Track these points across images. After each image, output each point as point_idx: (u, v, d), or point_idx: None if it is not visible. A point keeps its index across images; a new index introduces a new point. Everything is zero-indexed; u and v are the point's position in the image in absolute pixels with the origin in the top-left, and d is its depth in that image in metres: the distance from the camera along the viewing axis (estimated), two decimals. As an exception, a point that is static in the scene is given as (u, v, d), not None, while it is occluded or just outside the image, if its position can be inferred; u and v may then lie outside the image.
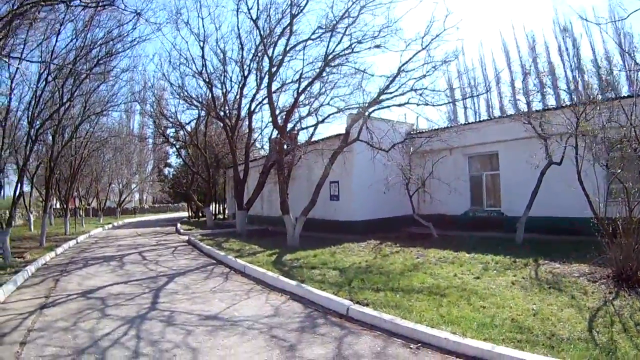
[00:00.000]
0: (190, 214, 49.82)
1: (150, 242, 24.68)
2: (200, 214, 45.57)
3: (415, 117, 30.16)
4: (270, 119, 23.02)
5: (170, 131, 37.61)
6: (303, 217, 18.23)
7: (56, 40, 18.87)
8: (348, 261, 14.01)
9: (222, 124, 29.87)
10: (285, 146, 21.26)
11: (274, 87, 21.31)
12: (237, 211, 25.77)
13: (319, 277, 11.78)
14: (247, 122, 28.05)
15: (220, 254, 16.71)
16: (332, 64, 19.35)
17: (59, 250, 21.28)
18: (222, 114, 27.73)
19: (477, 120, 26.94)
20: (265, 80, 21.43)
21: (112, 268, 15.46)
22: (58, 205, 45.04)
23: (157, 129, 36.70)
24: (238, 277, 13.16)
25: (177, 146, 39.12)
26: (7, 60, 15.30)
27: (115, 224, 44.67)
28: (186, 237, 25.30)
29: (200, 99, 29.64)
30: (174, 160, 53.33)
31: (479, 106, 60.21)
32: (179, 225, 35.21)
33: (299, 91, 20.73)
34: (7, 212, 18.19)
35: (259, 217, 32.25)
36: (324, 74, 19.93)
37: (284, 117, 21.48)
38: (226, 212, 44.84)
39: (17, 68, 17.13)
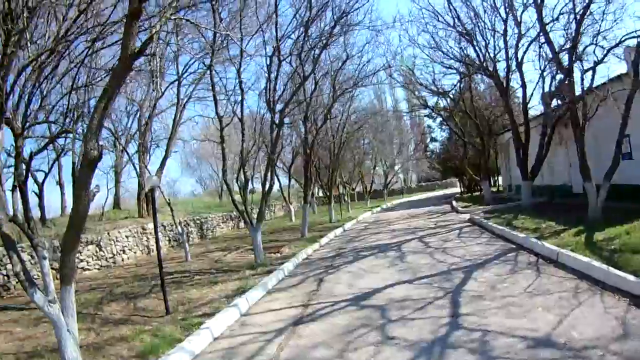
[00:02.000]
0: (462, 190, 46.87)
1: (428, 223, 22.04)
2: (473, 189, 42.69)
3: None
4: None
5: (431, 102, 34.70)
6: (607, 182, 13.70)
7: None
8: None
9: (488, 83, 27.50)
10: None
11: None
12: (523, 182, 22.11)
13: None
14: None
15: (520, 235, 13.14)
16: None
17: (323, 240, 19.75)
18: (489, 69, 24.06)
19: None
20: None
21: (390, 260, 12.83)
22: (320, 193, 45.45)
23: (418, 100, 33.84)
24: (551, 269, 9.48)
25: (443, 115, 36.00)
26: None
27: (384, 206, 43.72)
28: (467, 216, 22.25)
29: (459, 58, 26.19)
30: (437, 134, 51.01)
31: None
32: (454, 202, 32.52)
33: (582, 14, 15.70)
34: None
35: (538, 187, 27.40)
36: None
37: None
38: (499, 184, 41.32)
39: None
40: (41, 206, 24.19)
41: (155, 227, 10.63)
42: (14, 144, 11.48)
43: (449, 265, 11.00)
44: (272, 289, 11.16)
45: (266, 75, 17.03)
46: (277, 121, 16.76)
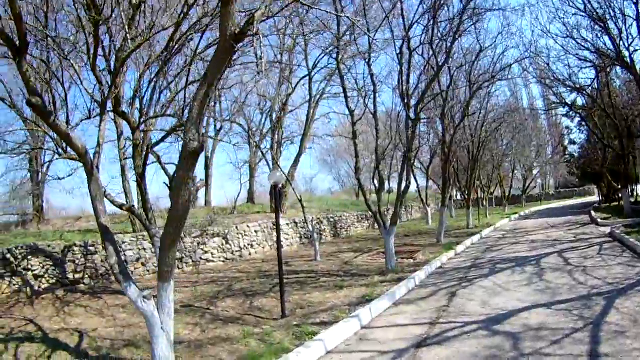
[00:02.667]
0: (601, 199, 43.66)
1: (567, 236, 20.37)
2: (612, 198, 39.08)
3: None
4: None
5: (568, 99, 31.39)
6: None
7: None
8: None
9: (624, 79, 25.93)
10: None
11: None
12: None
13: None
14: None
15: None
16: None
17: (460, 248, 18.76)
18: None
19: None
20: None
21: (528, 277, 11.74)
22: (458, 197, 44.25)
23: (555, 97, 31.25)
24: None
25: (582, 115, 32.76)
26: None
27: (522, 213, 41.81)
28: (607, 229, 20.36)
29: (594, 49, 23.20)
30: (576, 135, 47.70)
31: None
32: (592, 212, 30.01)
33: None
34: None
35: None
36: None
37: None
38: (637, 194, 37.15)
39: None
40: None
41: (277, 224, 10.36)
42: (132, 137, 11.78)
43: (589, 289, 9.84)
44: (400, 300, 10.49)
45: (398, 67, 16.17)
46: (412, 116, 15.74)
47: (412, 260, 16.02)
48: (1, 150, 13.49)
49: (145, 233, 14.06)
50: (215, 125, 30.16)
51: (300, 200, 18.98)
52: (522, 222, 32.43)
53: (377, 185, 15.88)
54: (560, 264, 13.22)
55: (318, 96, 27.13)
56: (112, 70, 9.75)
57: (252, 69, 25.16)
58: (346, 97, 15.89)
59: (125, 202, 12.93)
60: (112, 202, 11.02)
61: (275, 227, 21.64)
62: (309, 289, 12.09)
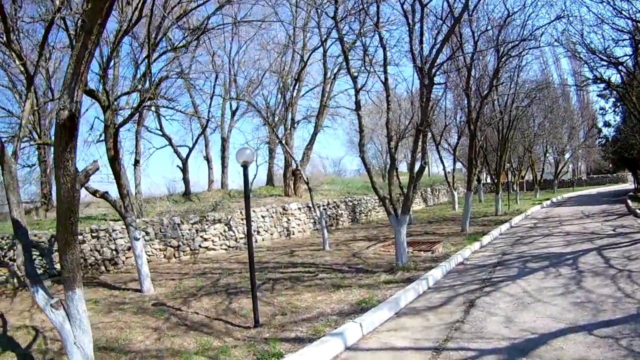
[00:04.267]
0: (636, 187, 40.85)
1: (605, 228, 18.04)
2: None
3: None
4: None
5: (604, 73, 27.86)
6: None
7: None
8: None
9: None
10: None
11: None
12: None
13: None
14: None
15: None
16: None
17: (486, 239, 16.60)
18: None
19: None
20: None
21: (563, 283, 9.53)
22: (488, 180, 42.28)
23: (591, 71, 28.07)
24: None
25: (620, 93, 28.54)
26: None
27: (554, 199, 39.15)
28: None
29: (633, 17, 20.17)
30: (611, 117, 44.53)
31: None
32: (630, 202, 27.24)
33: None
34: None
35: None
36: None
37: None
38: None
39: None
40: (185, 180, 24.48)
41: (247, 213, 8.14)
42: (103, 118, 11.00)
43: (638, 305, 7.71)
44: (404, 309, 8.49)
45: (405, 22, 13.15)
46: (426, 82, 12.84)
47: (430, 254, 13.95)
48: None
49: (138, 220, 13.86)
50: (230, 105, 28.59)
51: (307, 183, 17.58)
52: (555, 210, 29.91)
53: (389, 164, 13.65)
54: (600, 266, 10.99)
55: (335, 70, 25.17)
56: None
57: (270, 47, 24.32)
58: (346, 60, 13.67)
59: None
60: (86, 188, 9.79)
61: (284, 212, 20.53)
62: (302, 287, 10.38)
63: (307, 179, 17.88)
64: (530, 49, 22.09)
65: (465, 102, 21.91)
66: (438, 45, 12.93)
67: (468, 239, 16.18)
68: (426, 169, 24.66)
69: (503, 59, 19.97)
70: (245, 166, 7.91)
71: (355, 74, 14.32)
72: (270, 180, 30.03)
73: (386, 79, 12.96)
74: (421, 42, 12.95)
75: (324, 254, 15.18)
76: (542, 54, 28.80)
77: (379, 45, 13.07)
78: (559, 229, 18.75)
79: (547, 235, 17.15)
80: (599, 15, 20.65)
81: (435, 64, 12.72)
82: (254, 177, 26.53)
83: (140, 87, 11.57)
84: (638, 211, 21.95)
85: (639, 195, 34.08)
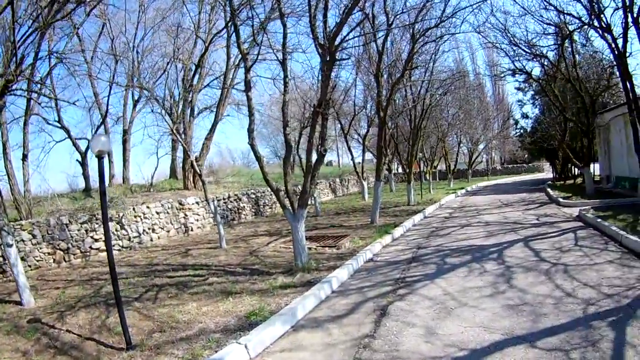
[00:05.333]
0: (554, 176, 41.37)
1: (526, 216, 17.49)
2: (567, 176, 37.35)
3: None
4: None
5: (525, 66, 27.85)
6: None
7: None
8: None
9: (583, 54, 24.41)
10: None
11: None
12: None
13: None
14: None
15: None
16: None
17: (398, 231, 15.47)
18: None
19: None
20: None
21: (491, 281, 8.40)
22: (400, 170, 42.07)
23: (512, 63, 27.85)
24: None
25: (541, 84, 28.63)
26: None
27: (469, 188, 39.10)
28: (574, 211, 17.66)
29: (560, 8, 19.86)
30: (529, 109, 45.56)
31: None
32: (550, 191, 27.38)
33: None
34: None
35: (624, 179, 24.74)
36: None
37: None
38: (593, 174, 34.81)
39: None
40: (85, 176, 23.16)
41: (105, 215, 6.57)
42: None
43: (583, 306, 6.69)
44: (303, 321, 7.12)
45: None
46: (327, 58, 11.25)
47: (335, 250, 12.70)
48: None
49: (24, 222, 13.12)
50: (132, 95, 26.70)
51: (200, 176, 16.37)
52: (471, 199, 29.52)
53: (285, 153, 12.17)
54: (531, 260, 9.98)
55: (238, 58, 23.75)
56: None
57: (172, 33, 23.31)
58: (237, 32, 11.92)
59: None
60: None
61: (181, 207, 18.85)
62: (187, 296, 8.90)
63: (200, 170, 16.53)
64: (450, 34, 21.24)
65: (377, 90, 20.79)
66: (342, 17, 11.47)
67: (378, 232, 15.01)
68: (336, 159, 23.53)
69: (419, 40, 18.91)
70: (100, 157, 6.32)
71: (248, 51, 12.63)
72: (173, 173, 28.24)
73: (284, 59, 11.44)
74: (325, 15, 11.48)
75: (219, 252, 13.77)
76: (458, 44, 28.42)
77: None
78: (477, 219, 17.95)
79: (466, 226, 16.27)
80: (525, 7, 20.89)
81: (337, 37, 11.29)
82: (155, 170, 24.81)
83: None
84: (561, 200, 21.75)
85: (558, 184, 34.71)
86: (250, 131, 11.29)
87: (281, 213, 24.77)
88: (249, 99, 11.50)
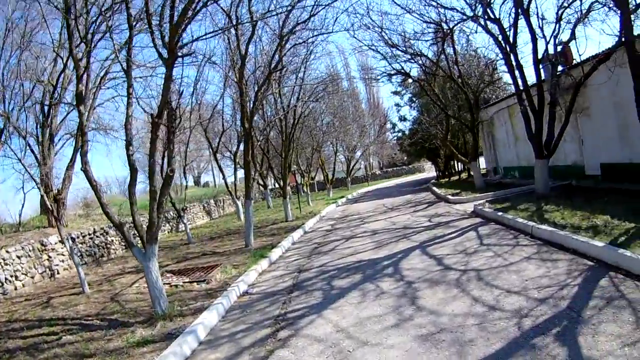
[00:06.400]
0: (438, 174, 42.27)
1: (416, 219, 16.54)
2: (450, 173, 38.74)
3: None
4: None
5: (404, 66, 27.73)
6: None
7: None
8: None
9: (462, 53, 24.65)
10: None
11: None
12: (536, 161, 16.76)
13: None
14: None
15: (597, 245, 7.95)
16: None
17: (276, 253, 13.99)
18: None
19: None
20: None
21: (392, 306, 7.01)
22: (277, 185, 41.23)
23: (389, 65, 27.09)
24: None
25: (422, 84, 28.07)
26: None
27: (350, 196, 38.52)
28: (467, 207, 17.32)
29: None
30: (407, 112, 46.17)
31: None
32: (436, 189, 27.18)
33: None
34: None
35: (512, 169, 26.79)
36: None
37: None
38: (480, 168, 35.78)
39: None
40: None
41: None
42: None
43: (516, 320, 5.55)
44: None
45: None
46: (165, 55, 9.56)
47: (205, 285, 11.01)
48: None
49: None
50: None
51: (52, 212, 14.92)
52: (353, 206, 28.65)
53: (129, 179, 10.14)
54: (434, 270, 8.79)
55: (102, 74, 21.48)
56: None
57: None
58: (69, 37, 9.90)
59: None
60: None
61: (43, 248, 16.84)
62: None
63: (51, 205, 14.72)
64: (320, 34, 20.07)
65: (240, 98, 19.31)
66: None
67: (254, 257, 13.46)
68: (212, 179, 21.96)
69: (286, 38, 17.67)
70: None
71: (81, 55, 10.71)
72: (44, 209, 25.43)
73: (129, 66, 9.52)
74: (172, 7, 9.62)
75: (81, 299, 11.70)
76: (330, 51, 27.81)
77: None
78: (362, 229, 16.84)
79: (351, 238, 15.06)
80: (404, 7, 20.83)
81: (183, 31, 9.54)
82: (22, 207, 21.59)
83: None
84: (450, 197, 21.46)
85: (443, 181, 35.60)
86: (82, 154, 9.26)
87: (160, 240, 22.75)
88: (80, 114, 9.46)
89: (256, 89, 18.87)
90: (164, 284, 10.07)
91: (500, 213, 13.20)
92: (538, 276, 7.13)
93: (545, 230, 9.97)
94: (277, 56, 18.68)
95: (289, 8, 16.46)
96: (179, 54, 9.76)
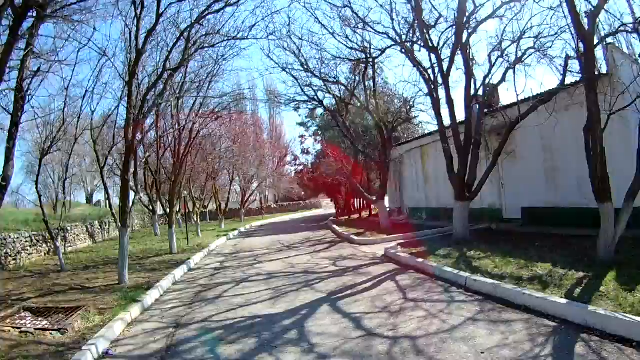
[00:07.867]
0: (337, 211, 42.09)
1: (318, 261, 14.95)
2: (351, 211, 38.74)
3: None
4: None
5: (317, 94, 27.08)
6: (630, 203, 9.65)
7: None
8: None
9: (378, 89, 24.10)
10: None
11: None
12: (455, 203, 15.95)
13: None
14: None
15: (560, 302, 7.07)
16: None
17: (152, 295, 11.64)
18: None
19: None
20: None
21: None
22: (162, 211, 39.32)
23: (302, 92, 26.05)
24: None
25: (334, 112, 27.17)
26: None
27: (243, 229, 36.75)
28: (376, 250, 16.26)
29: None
30: (310, 144, 45.67)
31: None
32: (336, 227, 26.09)
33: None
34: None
35: (419, 210, 26.69)
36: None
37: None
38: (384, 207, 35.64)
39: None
40: None
41: None
42: None
43: None
44: None
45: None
46: None
47: (59, 335, 8.40)
48: None
49: None
50: None
51: None
52: (246, 241, 26.70)
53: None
54: (353, 336, 6.91)
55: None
56: None
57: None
58: None
59: None
60: None
61: None
62: None
63: None
64: (234, 38, 18.32)
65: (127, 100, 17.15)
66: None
67: (124, 299, 10.93)
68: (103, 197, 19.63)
69: (189, 30, 16.14)
70: None
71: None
72: None
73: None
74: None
75: None
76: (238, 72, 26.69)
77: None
78: (256, 269, 14.94)
79: (243, 281, 13.03)
80: (328, 29, 20.88)
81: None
82: None
83: None
84: (354, 237, 20.42)
85: (343, 219, 35.53)
86: None
87: (30, 264, 20.02)
88: None
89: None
90: (14, 327, 7.83)
91: (420, 260, 11.95)
92: (496, 345, 5.71)
93: (485, 283, 8.74)
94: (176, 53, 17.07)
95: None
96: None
